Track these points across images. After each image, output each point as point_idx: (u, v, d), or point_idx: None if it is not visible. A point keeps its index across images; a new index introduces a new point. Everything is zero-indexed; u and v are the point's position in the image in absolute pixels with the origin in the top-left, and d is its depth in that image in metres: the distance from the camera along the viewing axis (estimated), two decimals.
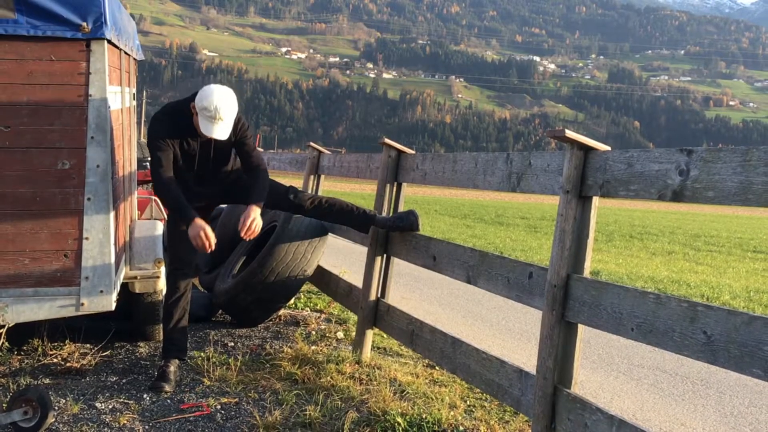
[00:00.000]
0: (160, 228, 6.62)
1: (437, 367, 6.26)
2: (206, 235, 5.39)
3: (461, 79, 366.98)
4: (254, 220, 5.57)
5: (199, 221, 5.44)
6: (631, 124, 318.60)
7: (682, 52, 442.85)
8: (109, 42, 5.11)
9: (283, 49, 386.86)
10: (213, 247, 5.47)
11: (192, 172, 5.77)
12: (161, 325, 6.22)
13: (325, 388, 5.54)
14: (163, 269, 6.26)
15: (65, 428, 4.68)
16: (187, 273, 5.84)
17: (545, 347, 4.10)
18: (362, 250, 6.71)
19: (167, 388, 5.46)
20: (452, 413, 5.09)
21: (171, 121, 5.64)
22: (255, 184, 5.79)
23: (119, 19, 5.65)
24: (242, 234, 5.55)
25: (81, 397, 5.25)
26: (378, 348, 6.92)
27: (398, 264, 6.59)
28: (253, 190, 5.76)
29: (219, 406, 5.17)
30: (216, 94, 5.42)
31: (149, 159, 14.02)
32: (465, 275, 5.08)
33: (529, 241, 21.55)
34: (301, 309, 8.40)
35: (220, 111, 5.37)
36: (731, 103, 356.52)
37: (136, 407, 5.12)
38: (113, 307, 5.20)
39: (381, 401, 5.15)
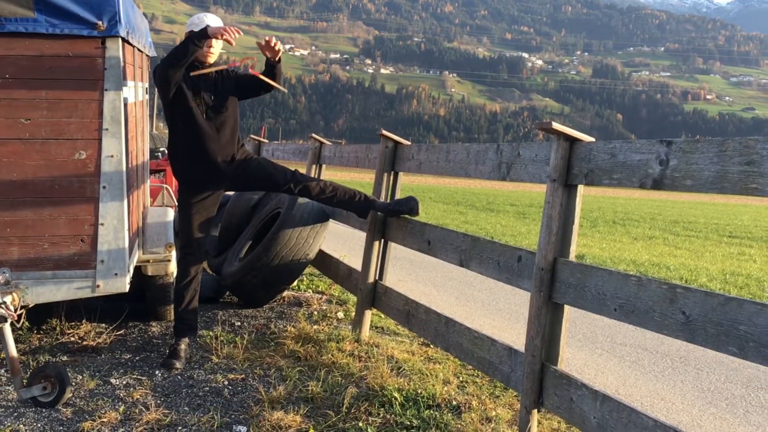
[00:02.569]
0: (171, 214, 6.62)
1: (432, 346, 6.26)
2: (225, 26, 5.45)
3: (454, 75, 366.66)
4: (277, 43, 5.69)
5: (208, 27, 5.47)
6: (614, 117, 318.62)
7: (662, 49, 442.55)
8: (123, 39, 5.11)
9: (287, 46, 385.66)
10: (238, 32, 5.50)
11: (201, 118, 5.63)
12: (172, 306, 6.22)
13: (326, 365, 5.55)
14: (174, 253, 6.26)
15: (82, 403, 4.69)
16: (198, 257, 5.83)
17: (533, 327, 4.10)
18: (361, 236, 6.70)
19: (178, 365, 5.46)
20: (446, 389, 5.09)
21: None
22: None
23: (132, 17, 5.65)
24: (269, 41, 5.66)
25: (97, 374, 5.25)
26: (376, 327, 6.92)
27: (395, 248, 6.59)
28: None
29: (226, 382, 5.17)
30: (201, 13, 5.72)
31: (161, 149, 13.93)
32: (458, 259, 5.08)
33: (518, 227, 21.55)
34: (304, 291, 8.40)
35: (205, 14, 5.65)
36: (708, 97, 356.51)
37: (148, 383, 5.12)
38: (127, 289, 5.22)
39: (379, 377, 5.15)
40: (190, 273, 5.75)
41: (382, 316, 6.94)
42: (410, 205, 6.01)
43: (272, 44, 5.63)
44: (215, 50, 5.63)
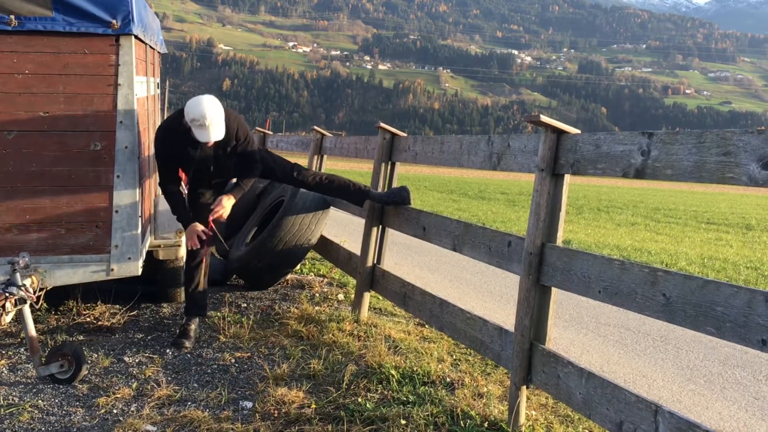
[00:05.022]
0: None
1: (427, 326, 6.27)
2: (199, 232, 5.50)
3: (448, 70, 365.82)
4: (223, 207, 5.57)
5: (192, 226, 5.52)
6: (599, 110, 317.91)
7: (644, 46, 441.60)
8: (136, 37, 5.11)
9: (290, 44, 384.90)
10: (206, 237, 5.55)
11: (207, 172, 5.69)
12: (183, 288, 6.22)
13: (327, 344, 5.55)
14: (183, 238, 6.26)
15: (97, 380, 4.69)
16: (207, 241, 5.83)
17: (522, 308, 4.11)
18: (360, 222, 6.70)
19: (187, 344, 5.46)
20: (440, 366, 5.10)
21: (169, 139, 5.45)
22: (239, 183, 5.78)
23: (145, 16, 5.64)
24: (211, 215, 5.56)
25: (111, 352, 5.26)
26: (374, 308, 6.92)
27: (392, 234, 6.58)
28: (236, 185, 5.78)
29: (233, 360, 5.18)
30: (200, 103, 5.23)
31: None
32: (451, 244, 5.08)
33: (508, 214, 21.55)
34: (306, 274, 8.40)
35: (207, 117, 5.16)
36: (687, 91, 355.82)
37: (159, 361, 5.13)
38: (140, 272, 5.23)
39: (377, 355, 5.16)
40: (199, 255, 5.75)
41: (380, 297, 6.94)
42: (402, 195, 6.02)
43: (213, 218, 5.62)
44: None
